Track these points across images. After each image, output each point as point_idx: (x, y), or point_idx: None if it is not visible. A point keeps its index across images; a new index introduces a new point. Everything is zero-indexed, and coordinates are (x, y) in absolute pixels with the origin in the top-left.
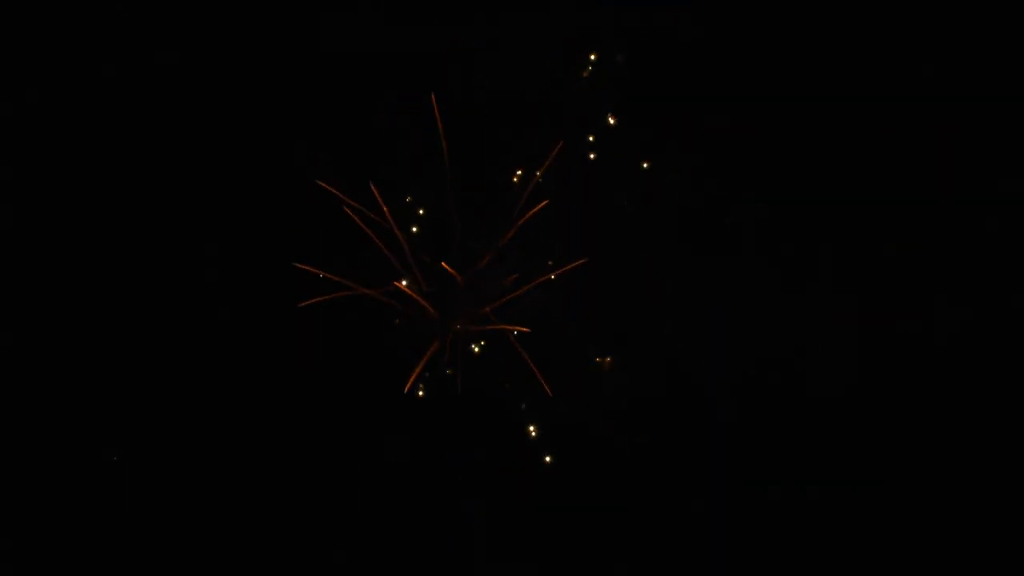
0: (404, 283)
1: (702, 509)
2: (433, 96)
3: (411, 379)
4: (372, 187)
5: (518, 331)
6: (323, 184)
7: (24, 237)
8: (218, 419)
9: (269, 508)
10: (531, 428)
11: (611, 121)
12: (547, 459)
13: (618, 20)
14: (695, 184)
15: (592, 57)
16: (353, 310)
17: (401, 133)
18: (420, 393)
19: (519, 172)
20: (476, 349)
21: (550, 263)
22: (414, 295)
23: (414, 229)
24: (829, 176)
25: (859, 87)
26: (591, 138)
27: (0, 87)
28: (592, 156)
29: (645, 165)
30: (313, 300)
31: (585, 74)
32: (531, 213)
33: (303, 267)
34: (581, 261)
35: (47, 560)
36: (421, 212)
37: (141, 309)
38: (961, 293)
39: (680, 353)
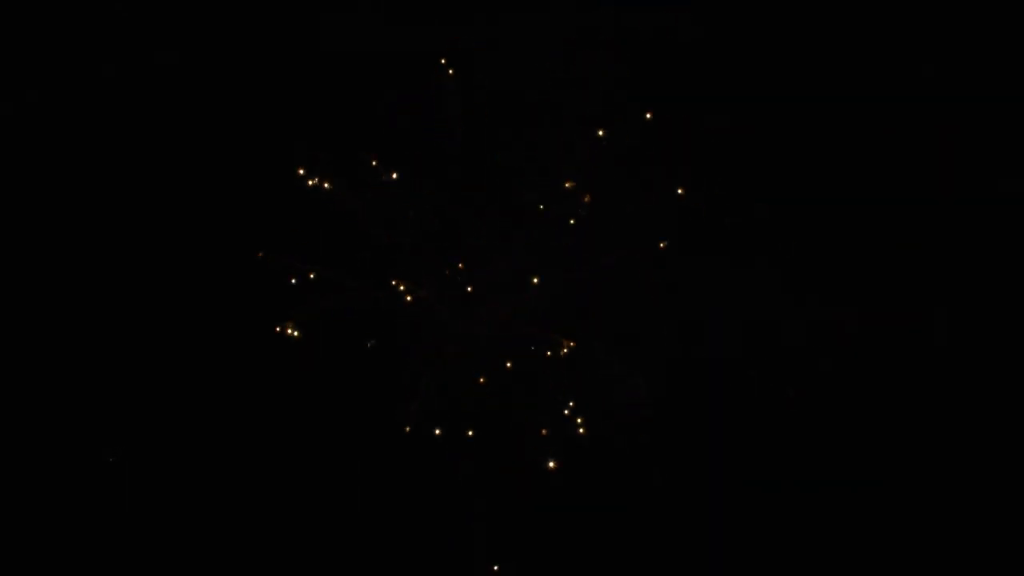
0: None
1: (702, 509)
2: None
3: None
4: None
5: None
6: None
7: (23, 237)
8: (215, 420)
9: (266, 508)
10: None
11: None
12: (550, 463)
13: (618, 20)
14: (695, 184)
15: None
16: (355, 313)
17: (401, 133)
18: (438, 431)
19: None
20: (508, 365)
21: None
22: (426, 297)
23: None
24: (829, 176)
25: (859, 87)
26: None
27: (0, 87)
28: (592, 155)
29: (680, 191)
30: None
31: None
32: (586, 199)
33: (287, 262)
34: (662, 245)
35: (43, 561)
36: (421, 214)
37: (138, 310)
38: (961, 293)
39: (680, 353)
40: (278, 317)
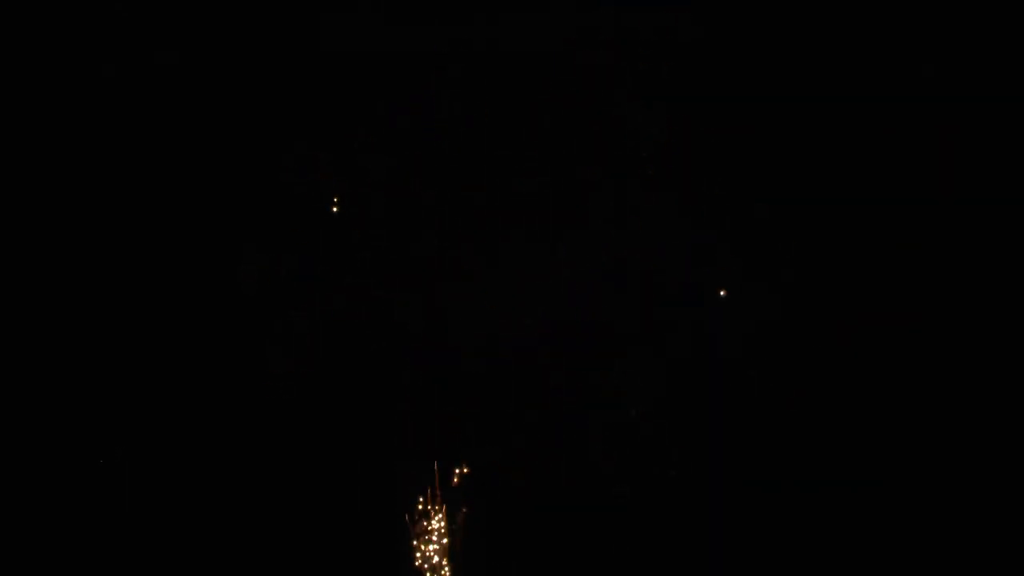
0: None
1: (702, 509)
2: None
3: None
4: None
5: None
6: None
7: (22, 238)
8: (210, 422)
9: (260, 508)
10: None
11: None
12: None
13: (618, 20)
14: (696, 184)
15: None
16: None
17: (401, 133)
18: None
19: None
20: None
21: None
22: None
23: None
24: (829, 176)
25: (859, 87)
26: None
27: (0, 87)
28: (594, 156)
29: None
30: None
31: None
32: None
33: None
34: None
35: (34, 561)
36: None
37: (136, 310)
38: (961, 293)
39: (680, 353)
40: (271, 320)
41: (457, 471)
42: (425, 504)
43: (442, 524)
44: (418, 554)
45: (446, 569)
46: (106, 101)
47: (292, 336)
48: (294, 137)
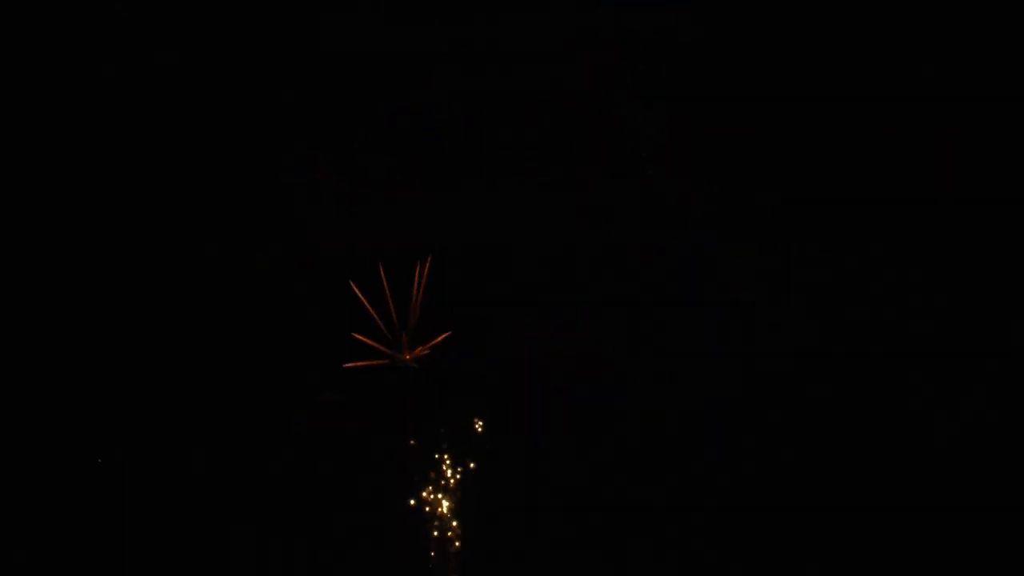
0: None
1: (703, 509)
2: None
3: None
4: None
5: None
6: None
7: (24, 236)
8: (210, 421)
9: (260, 507)
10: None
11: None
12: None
13: (618, 20)
14: (695, 183)
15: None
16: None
17: (401, 133)
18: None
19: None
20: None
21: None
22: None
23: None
24: (829, 175)
25: (859, 87)
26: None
27: (0, 87)
28: (594, 155)
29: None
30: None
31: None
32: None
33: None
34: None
35: (27, 560)
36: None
37: (134, 308)
38: (961, 292)
39: (680, 353)
40: (268, 320)
41: (464, 468)
42: (433, 499)
43: (450, 519)
44: (429, 546)
45: (454, 565)
46: (106, 101)
47: (292, 334)
48: (294, 137)
